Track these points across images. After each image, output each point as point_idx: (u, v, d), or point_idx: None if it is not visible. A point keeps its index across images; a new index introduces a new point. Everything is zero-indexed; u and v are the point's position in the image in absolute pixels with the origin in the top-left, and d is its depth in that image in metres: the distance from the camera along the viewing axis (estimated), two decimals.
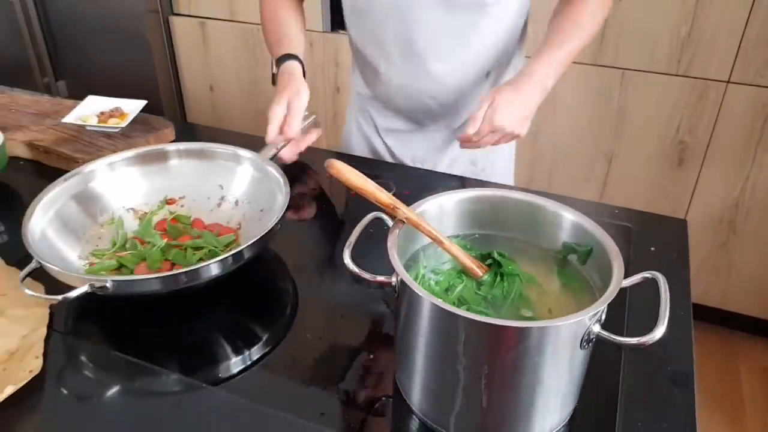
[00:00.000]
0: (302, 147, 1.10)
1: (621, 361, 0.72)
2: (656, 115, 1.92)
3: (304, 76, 1.09)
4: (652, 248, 0.91)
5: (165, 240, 0.89)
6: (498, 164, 1.26)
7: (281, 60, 1.10)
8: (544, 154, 2.11)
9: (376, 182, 0.67)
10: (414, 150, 1.25)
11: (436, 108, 1.17)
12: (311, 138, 1.11)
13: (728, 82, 1.79)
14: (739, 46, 1.74)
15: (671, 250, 0.92)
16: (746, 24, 1.71)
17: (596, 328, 0.56)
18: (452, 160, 1.23)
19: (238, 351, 0.76)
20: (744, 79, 1.77)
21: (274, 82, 1.11)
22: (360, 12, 1.12)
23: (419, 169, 1.23)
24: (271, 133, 1.01)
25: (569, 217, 0.67)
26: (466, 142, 1.00)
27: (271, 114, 1.01)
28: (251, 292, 0.85)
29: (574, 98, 1.99)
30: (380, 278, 0.62)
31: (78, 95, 1.36)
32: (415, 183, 1.13)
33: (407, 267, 0.66)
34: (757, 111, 1.80)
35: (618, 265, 0.58)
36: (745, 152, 1.87)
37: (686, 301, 0.81)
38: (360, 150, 1.31)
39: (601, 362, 0.70)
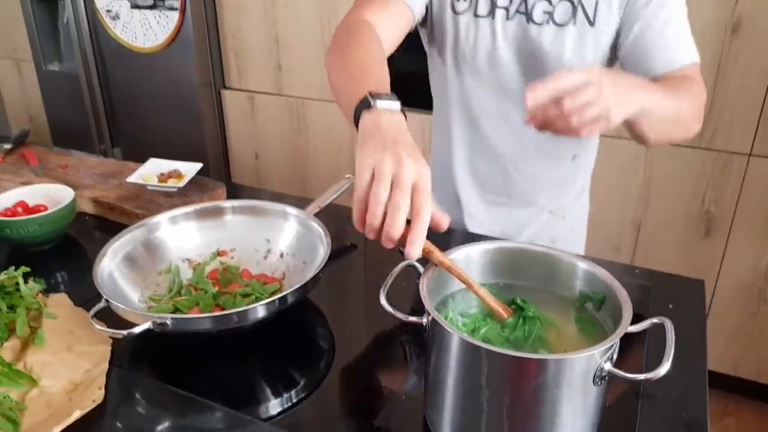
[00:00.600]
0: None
1: (637, 409, 0.75)
2: (682, 187, 1.96)
3: None
4: (670, 306, 0.96)
5: (216, 288, 0.97)
6: (575, 244, 1.24)
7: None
8: None
9: None
10: (490, 225, 1.24)
11: (515, 177, 1.16)
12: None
13: (750, 154, 1.84)
14: (759, 119, 1.80)
15: (689, 307, 0.96)
16: (765, 97, 1.77)
17: (607, 366, 0.61)
18: (531, 238, 1.22)
19: (281, 390, 0.82)
20: (766, 151, 1.82)
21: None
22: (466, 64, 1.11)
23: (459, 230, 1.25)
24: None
25: (583, 266, 0.74)
26: (535, 105, 0.73)
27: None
28: (294, 337, 0.92)
29: (601, 170, 2.04)
30: (412, 318, 0.69)
31: (132, 161, 1.47)
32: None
33: (437, 310, 0.72)
34: None
35: (627, 308, 0.64)
36: None
37: (701, 352, 0.86)
38: None
39: (618, 410, 0.75)
